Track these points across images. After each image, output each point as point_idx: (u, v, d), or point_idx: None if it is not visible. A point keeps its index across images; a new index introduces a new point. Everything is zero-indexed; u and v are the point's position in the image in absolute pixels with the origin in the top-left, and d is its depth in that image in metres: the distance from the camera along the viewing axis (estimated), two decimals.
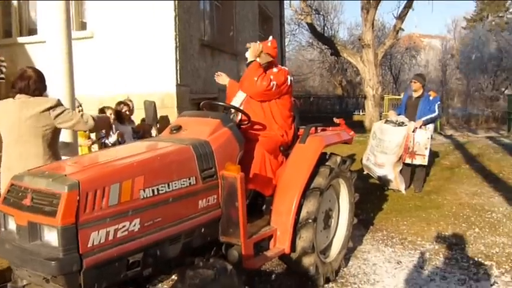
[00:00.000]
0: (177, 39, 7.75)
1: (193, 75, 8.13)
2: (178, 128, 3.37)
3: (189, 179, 2.95)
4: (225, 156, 3.22)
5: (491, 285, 4.12)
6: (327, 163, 3.95)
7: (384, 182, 7.07)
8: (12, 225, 2.51)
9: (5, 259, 3.18)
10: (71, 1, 4.65)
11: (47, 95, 3.77)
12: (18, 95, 3.53)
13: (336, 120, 4.55)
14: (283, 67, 4.02)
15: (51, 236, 2.33)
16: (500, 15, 39.15)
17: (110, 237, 2.46)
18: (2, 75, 7.22)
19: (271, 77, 3.75)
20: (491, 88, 29.34)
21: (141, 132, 6.45)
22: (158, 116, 7.10)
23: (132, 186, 2.59)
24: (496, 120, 26.51)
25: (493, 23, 37.29)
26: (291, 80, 3.94)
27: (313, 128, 4.14)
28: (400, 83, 30.50)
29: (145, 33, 7.81)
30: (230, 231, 3.21)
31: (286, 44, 25.38)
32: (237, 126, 3.57)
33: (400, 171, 6.94)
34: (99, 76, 8.10)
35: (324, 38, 18.47)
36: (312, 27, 17.89)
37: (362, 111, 20.57)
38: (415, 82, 7.25)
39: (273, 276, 4.24)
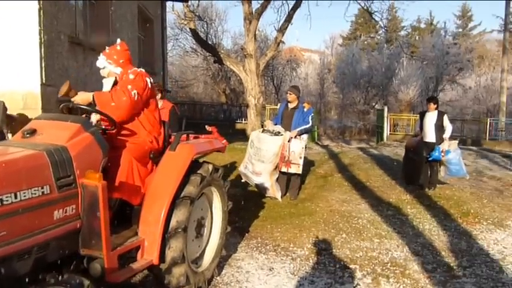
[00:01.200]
0: (42, 35, 7.08)
1: (61, 74, 7.47)
2: (33, 132, 3.05)
3: (42, 188, 2.68)
4: (86, 163, 2.99)
5: (354, 287, 4.34)
6: (198, 171, 3.86)
7: (261, 189, 7.20)
8: None
9: None
10: None
11: None
12: None
13: (208, 128, 4.50)
14: (139, 69, 3.78)
15: None
16: (371, 36, 42.95)
17: None
18: None
19: (129, 86, 3.54)
20: (363, 102, 31.83)
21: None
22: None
23: None
24: (367, 132, 28.93)
25: (365, 42, 40.75)
26: (150, 82, 3.75)
27: (184, 135, 4.03)
28: (281, 93, 31.64)
29: (3, 25, 6.98)
30: (92, 243, 2.98)
31: (169, 48, 25.06)
32: (101, 131, 3.34)
33: (277, 179, 7.12)
34: None
35: (207, 45, 18.41)
36: (195, 34, 17.75)
37: (245, 120, 20.95)
38: (290, 94, 7.50)
39: None
